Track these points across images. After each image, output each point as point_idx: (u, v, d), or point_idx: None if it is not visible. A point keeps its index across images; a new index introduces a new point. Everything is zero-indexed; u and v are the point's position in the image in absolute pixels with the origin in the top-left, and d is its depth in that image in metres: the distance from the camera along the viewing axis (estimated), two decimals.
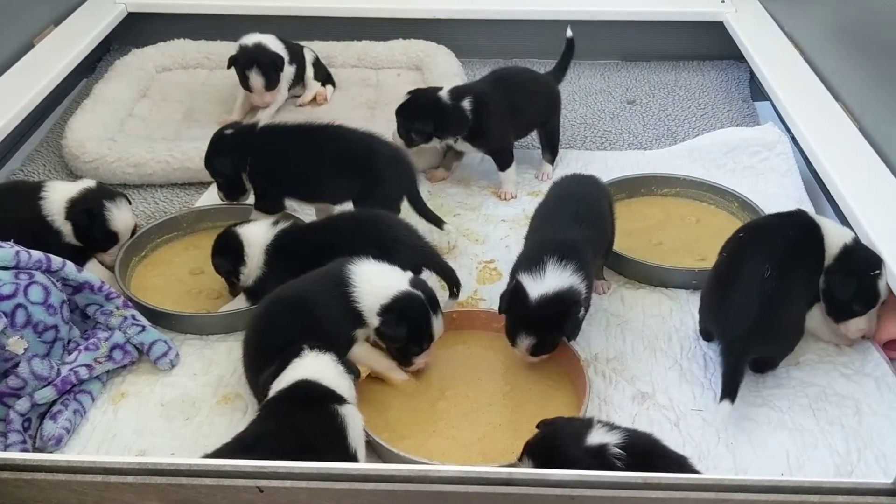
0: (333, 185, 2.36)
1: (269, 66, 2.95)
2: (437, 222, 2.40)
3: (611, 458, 1.52)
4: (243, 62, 2.95)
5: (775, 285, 1.89)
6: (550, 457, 1.57)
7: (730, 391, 1.86)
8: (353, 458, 1.61)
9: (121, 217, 2.28)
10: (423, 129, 2.54)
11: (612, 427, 1.59)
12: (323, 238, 2.16)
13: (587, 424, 1.60)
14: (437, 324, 1.93)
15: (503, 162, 2.68)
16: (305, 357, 1.73)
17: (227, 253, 2.15)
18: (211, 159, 2.40)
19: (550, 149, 2.81)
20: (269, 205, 2.39)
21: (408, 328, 1.89)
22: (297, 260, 2.06)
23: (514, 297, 1.92)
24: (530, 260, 1.94)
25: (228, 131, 2.41)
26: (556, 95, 2.81)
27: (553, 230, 2.05)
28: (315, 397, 1.65)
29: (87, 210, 2.22)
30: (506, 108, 2.64)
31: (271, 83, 2.97)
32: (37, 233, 2.14)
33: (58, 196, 2.22)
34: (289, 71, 3.06)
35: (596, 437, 1.56)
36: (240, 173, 2.36)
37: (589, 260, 1.97)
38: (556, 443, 1.60)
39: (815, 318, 2.04)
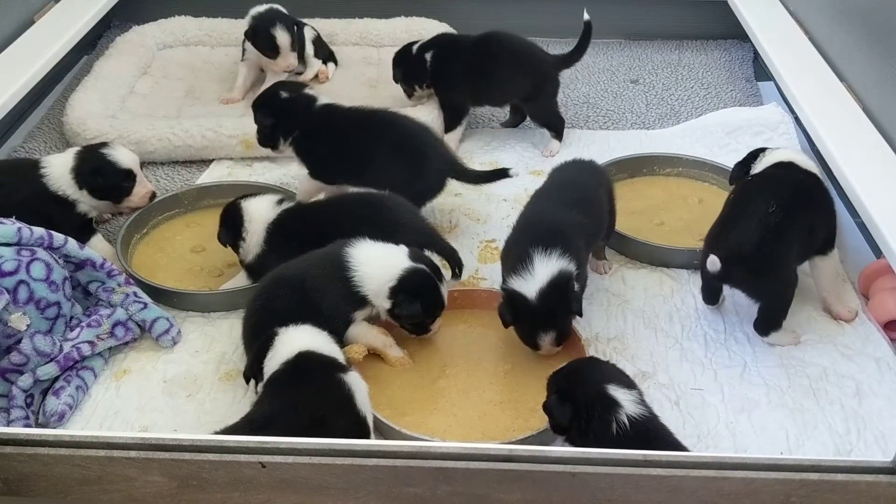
0: (377, 174, 2.31)
1: (292, 23, 2.94)
2: (501, 174, 2.38)
3: (612, 416, 1.55)
4: (265, 23, 2.91)
5: (776, 222, 1.92)
6: (565, 378, 1.66)
7: (709, 298, 2.08)
8: (364, 425, 1.63)
9: (124, 155, 2.29)
10: (395, 76, 2.85)
11: (641, 402, 1.60)
12: (325, 219, 2.16)
13: (626, 383, 1.63)
14: (445, 290, 1.96)
15: (447, 122, 2.78)
16: (289, 332, 1.74)
17: (229, 225, 2.16)
18: (259, 109, 2.41)
19: (548, 128, 2.80)
20: (322, 177, 2.40)
21: (422, 303, 1.91)
22: (298, 240, 2.06)
23: (513, 305, 1.92)
24: (517, 258, 1.93)
25: (284, 94, 2.40)
26: (544, 73, 2.75)
27: (540, 216, 2.05)
28: (318, 369, 1.66)
29: (95, 169, 2.22)
30: (471, 68, 2.71)
31: (295, 41, 2.95)
32: (43, 210, 2.16)
33: (58, 170, 2.22)
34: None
35: (618, 394, 1.58)
36: (278, 137, 2.38)
37: (578, 243, 1.97)
38: (580, 374, 1.66)
39: (825, 271, 2.10)
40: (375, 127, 2.38)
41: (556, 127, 2.81)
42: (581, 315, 1.96)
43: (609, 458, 1.36)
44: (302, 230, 2.12)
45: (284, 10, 3.02)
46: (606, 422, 1.55)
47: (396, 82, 2.88)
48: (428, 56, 2.77)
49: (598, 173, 2.24)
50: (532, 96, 2.77)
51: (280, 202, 2.17)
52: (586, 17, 2.76)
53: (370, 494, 1.39)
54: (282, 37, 2.91)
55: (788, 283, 2.00)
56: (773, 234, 1.92)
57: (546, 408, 1.67)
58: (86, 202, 2.25)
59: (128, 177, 2.29)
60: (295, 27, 2.99)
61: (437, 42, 2.81)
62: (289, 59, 2.96)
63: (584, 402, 1.60)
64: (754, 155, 2.21)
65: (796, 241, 1.97)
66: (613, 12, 3.50)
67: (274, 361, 1.70)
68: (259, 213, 2.13)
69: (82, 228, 2.25)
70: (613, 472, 1.35)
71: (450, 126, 2.80)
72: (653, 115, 3.00)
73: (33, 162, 2.28)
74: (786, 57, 2.80)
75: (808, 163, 2.13)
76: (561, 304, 1.90)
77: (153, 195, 2.37)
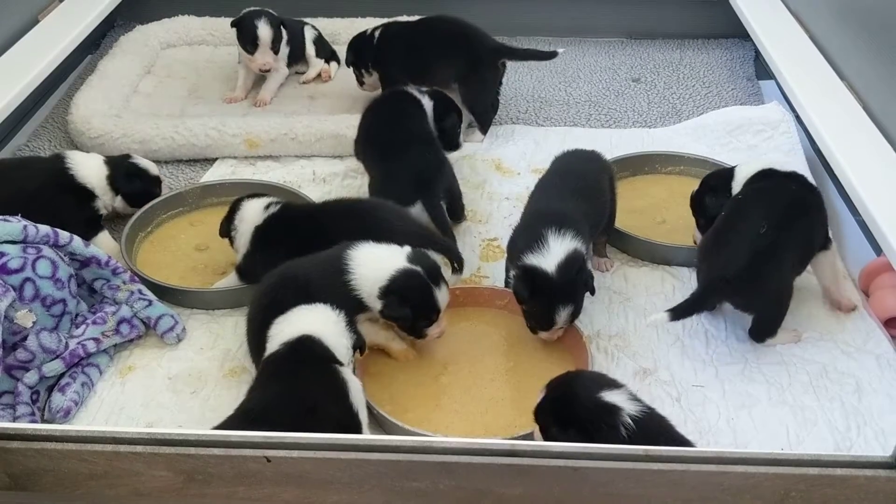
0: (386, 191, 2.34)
1: (277, 21, 2.96)
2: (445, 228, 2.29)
3: (617, 421, 1.53)
4: (252, 15, 2.94)
5: (768, 241, 1.92)
6: (555, 405, 1.60)
7: (678, 311, 1.90)
8: (356, 419, 1.63)
9: (151, 164, 2.46)
10: (348, 59, 2.95)
11: (634, 398, 1.58)
12: (313, 225, 2.15)
13: (613, 384, 1.61)
14: (442, 294, 1.92)
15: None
16: (306, 309, 1.76)
17: (229, 219, 2.18)
18: None
19: (473, 114, 2.83)
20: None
21: (411, 306, 1.89)
22: (284, 245, 2.06)
23: (531, 281, 1.91)
24: (530, 238, 1.95)
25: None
26: (479, 56, 2.79)
27: (546, 203, 2.08)
28: (312, 358, 1.66)
29: (130, 174, 2.39)
30: (409, 45, 2.83)
31: (276, 41, 2.96)
32: (61, 199, 2.26)
33: (89, 171, 2.33)
34: (284, 51, 3.08)
35: (612, 398, 1.57)
36: None
37: (585, 229, 1.99)
38: (567, 395, 1.60)
39: (825, 263, 2.11)
40: (381, 123, 2.47)
41: (481, 117, 2.84)
42: (594, 293, 1.97)
43: (610, 453, 1.38)
44: (289, 235, 2.12)
45: (274, 13, 3.03)
46: (614, 428, 1.52)
47: (348, 66, 2.98)
48: (376, 34, 2.89)
49: (599, 161, 2.26)
50: (464, 79, 2.80)
51: (267, 207, 2.15)
52: None
53: (374, 488, 1.40)
54: (264, 31, 2.92)
55: (782, 297, 2.00)
56: (764, 254, 1.92)
57: (549, 438, 1.61)
58: (106, 201, 2.35)
59: (157, 184, 2.46)
60: (282, 28, 2.99)
61: (384, 25, 2.94)
62: (266, 56, 2.95)
63: (587, 420, 1.55)
64: (722, 177, 2.20)
65: (789, 257, 1.98)
66: (616, 11, 3.52)
67: (276, 337, 1.72)
68: (249, 215, 2.14)
69: (92, 223, 2.31)
70: (614, 466, 1.36)
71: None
72: (654, 114, 3.02)
73: (57, 154, 2.39)
74: (787, 56, 2.81)
75: (786, 165, 2.14)
76: (579, 278, 1.92)
77: None
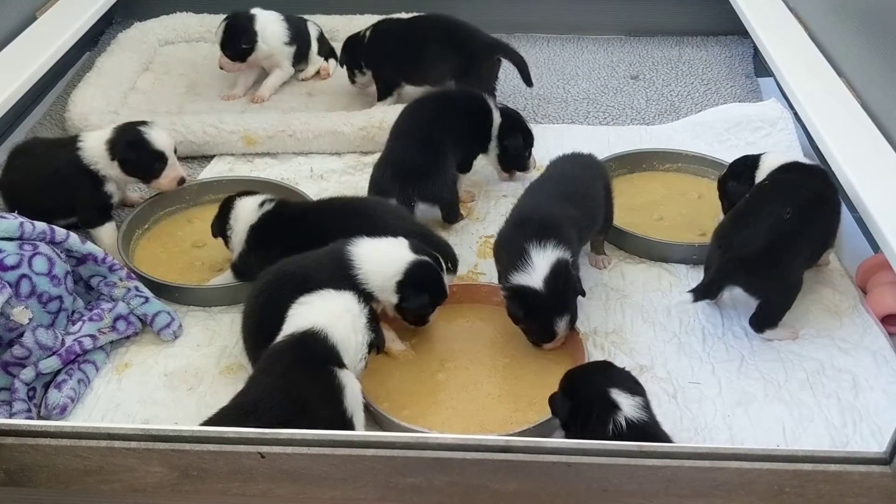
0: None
1: (238, 30, 2.93)
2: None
3: (610, 419, 1.56)
4: (233, 17, 2.95)
5: (788, 228, 1.95)
6: (572, 377, 1.72)
7: (699, 292, 1.96)
8: (349, 424, 1.63)
9: (160, 137, 2.34)
10: (341, 59, 2.98)
11: (645, 407, 1.62)
12: (309, 223, 2.15)
13: (631, 389, 1.64)
14: (447, 279, 1.97)
15: (379, 92, 2.93)
16: (328, 296, 1.75)
17: (222, 218, 2.18)
18: None
19: None
20: None
21: (428, 295, 1.92)
22: (280, 243, 2.05)
23: (522, 300, 1.93)
24: (513, 254, 1.95)
25: None
26: (474, 52, 2.80)
27: (531, 209, 2.08)
28: (309, 359, 1.66)
29: (129, 142, 2.28)
30: (401, 43, 2.82)
31: (228, 48, 2.94)
32: (73, 182, 2.26)
33: (94, 143, 2.29)
34: (287, 51, 3.06)
35: (619, 398, 1.60)
36: None
37: (570, 234, 1.99)
38: (586, 375, 1.71)
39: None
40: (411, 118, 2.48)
41: None
42: (584, 295, 1.98)
43: (604, 449, 1.38)
44: (285, 234, 2.11)
45: (276, 20, 3.02)
46: (604, 422, 1.57)
47: (341, 66, 3.00)
48: (367, 34, 2.88)
49: (594, 166, 2.25)
50: (462, 76, 2.79)
51: (262, 205, 2.15)
52: None
53: (368, 484, 1.40)
54: (218, 33, 2.94)
55: (794, 285, 2.02)
56: (783, 239, 1.94)
57: (550, 401, 1.72)
58: (114, 179, 2.31)
59: (159, 158, 2.34)
60: (244, 37, 2.94)
61: (375, 24, 2.94)
62: (220, 59, 2.98)
63: (584, 401, 1.63)
64: (746, 165, 2.23)
65: (805, 247, 2.00)
66: (614, 8, 3.52)
67: (288, 325, 1.72)
68: (244, 213, 2.14)
69: (101, 210, 2.32)
70: (609, 462, 1.36)
71: (380, 97, 2.93)
72: (653, 111, 3.01)
73: (72, 137, 2.37)
74: (785, 53, 2.80)
75: (808, 160, 2.18)
76: (567, 287, 1.92)
77: (182, 180, 2.42)
